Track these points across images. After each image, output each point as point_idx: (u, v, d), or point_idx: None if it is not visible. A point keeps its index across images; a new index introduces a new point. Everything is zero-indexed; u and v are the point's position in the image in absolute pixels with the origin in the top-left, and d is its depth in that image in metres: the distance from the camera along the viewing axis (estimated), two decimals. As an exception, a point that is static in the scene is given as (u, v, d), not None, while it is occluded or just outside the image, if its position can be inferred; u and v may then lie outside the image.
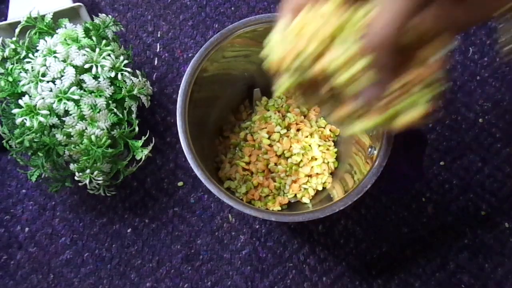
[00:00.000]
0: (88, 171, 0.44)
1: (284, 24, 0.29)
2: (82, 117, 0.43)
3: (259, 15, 0.43)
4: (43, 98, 0.42)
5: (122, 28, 0.52)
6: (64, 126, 0.43)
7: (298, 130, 0.50)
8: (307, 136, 0.50)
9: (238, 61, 0.49)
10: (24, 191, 0.54)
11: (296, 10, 0.28)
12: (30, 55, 0.45)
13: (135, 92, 0.46)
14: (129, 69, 0.46)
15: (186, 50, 0.58)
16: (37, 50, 0.45)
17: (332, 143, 0.51)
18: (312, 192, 0.49)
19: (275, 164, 0.49)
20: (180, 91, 0.42)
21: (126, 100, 0.45)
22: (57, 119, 0.42)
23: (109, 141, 0.43)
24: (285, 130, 0.50)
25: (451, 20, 0.26)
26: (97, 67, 0.44)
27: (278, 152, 0.49)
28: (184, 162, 0.55)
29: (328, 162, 0.49)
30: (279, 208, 0.48)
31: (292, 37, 0.28)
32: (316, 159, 0.49)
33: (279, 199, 0.49)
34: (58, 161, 0.44)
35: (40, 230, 0.53)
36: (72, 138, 0.43)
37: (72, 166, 0.44)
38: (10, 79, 0.44)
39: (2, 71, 0.45)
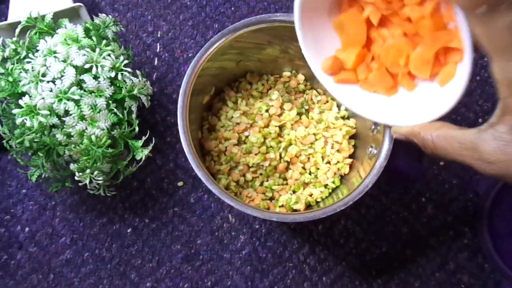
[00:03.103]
0: (88, 171, 0.44)
1: None
2: (82, 117, 0.43)
3: (259, 15, 0.43)
4: (43, 98, 0.42)
5: (122, 28, 0.52)
6: (64, 126, 0.43)
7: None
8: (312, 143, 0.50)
9: (239, 61, 0.49)
10: (24, 191, 0.54)
11: None
12: (30, 55, 0.45)
13: (135, 92, 0.46)
14: (129, 69, 0.46)
15: (186, 50, 0.58)
16: (37, 50, 0.45)
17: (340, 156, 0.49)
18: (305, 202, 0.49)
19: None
20: (180, 92, 0.42)
21: (126, 100, 0.46)
22: (57, 119, 0.43)
23: (109, 141, 0.43)
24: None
25: None
26: (97, 67, 0.44)
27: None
28: (184, 162, 0.55)
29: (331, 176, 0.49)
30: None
31: None
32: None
33: (269, 204, 0.49)
34: (58, 161, 0.44)
35: (40, 230, 0.53)
36: (72, 138, 0.43)
37: (72, 166, 0.44)
38: (10, 79, 0.44)
39: (2, 71, 0.45)
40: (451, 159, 0.31)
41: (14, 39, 0.46)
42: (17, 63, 0.45)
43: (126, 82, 0.45)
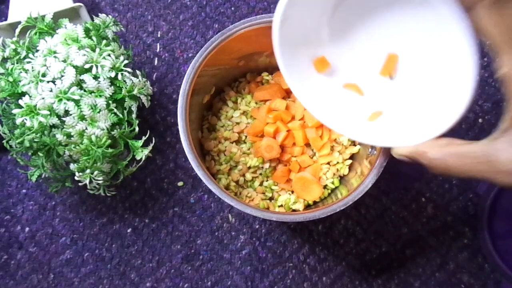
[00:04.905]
0: (88, 171, 0.44)
1: None
2: (82, 117, 0.43)
3: (259, 15, 0.43)
4: (43, 98, 0.42)
5: (122, 28, 0.52)
6: (64, 126, 0.43)
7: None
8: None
9: (239, 61, 0.49)
10: (24, 191, 0.54)
11: None
12: (30, 55, 0.45)
13: (135, 92, 0.46)
14: (129, 69, 0.46)
15: (186, 50, 0.58)
16: (37, 50, 0.45)
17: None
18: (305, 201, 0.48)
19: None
20: (180, 92, 0.42)
21: (126, 100, 0.46)
22: (57, 119, 0.43)
23: (109, 141, 0.43)
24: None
25: None
26: (97, 67, 0.44)
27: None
28: (184, 162, 0.55)
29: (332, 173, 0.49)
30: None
31: None
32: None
33: (269, 204, 0.49)
34: (58, 161, 0.44)
35: (40, 230, 0.53)
36: (72, 138, 0.43)
37: (72, 166, 0.44)
38: (11, 79, 0.44)
39: (3, 71, 0.45)
40: (465, 176, 0.28)
41: (14, 39, 0.46)
42: (17, 63, 0.45)
43: (126, 82, 0.45)
